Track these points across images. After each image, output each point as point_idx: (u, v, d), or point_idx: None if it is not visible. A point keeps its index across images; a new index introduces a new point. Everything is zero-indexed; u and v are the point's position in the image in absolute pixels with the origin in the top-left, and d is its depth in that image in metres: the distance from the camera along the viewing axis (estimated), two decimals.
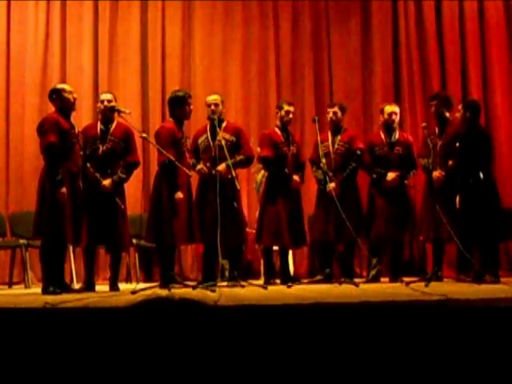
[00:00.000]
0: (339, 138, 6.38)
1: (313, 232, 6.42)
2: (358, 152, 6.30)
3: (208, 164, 5.96)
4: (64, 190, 5.17)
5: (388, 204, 6.32)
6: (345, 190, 6.18)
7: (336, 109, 6.43)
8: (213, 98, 6.12)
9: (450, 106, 6.31)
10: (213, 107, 6.04)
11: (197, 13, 8.42)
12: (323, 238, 6.28)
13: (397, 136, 6.43)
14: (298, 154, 6.44)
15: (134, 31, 8.31)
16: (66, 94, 5.41)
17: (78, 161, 5.43)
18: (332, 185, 6.07)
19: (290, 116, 6.35)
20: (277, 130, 6.37)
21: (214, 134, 6.03)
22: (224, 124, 6.08)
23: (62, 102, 5.40)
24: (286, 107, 6.34)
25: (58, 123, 5.29)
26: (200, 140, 6.11)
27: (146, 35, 8.35)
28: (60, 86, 5.61)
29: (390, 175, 6.30)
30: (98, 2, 8.30)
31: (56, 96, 5.42)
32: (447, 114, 6.29)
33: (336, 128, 6.41)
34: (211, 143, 6.02)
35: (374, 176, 6.41)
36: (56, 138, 5.23)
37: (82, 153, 5.49)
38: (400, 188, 6.34)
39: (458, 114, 6.05)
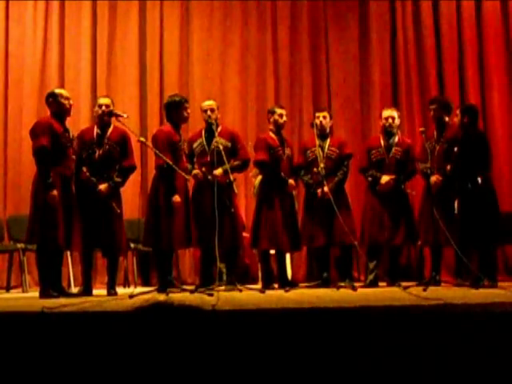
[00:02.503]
0: (328, 142, 6.38)
1: (305, 237, 6.38)
2: (347, 158, 6.33)
3: (203, 168, 5.96)
4: (55, 192, 5.17)
5: (383, 208, 6.31)
6: (335, 194, 6.15)
7: (325, 113, 6.44)
8: (208, 103, 6.12)
9: (449, 111, 6.31)
10: (209, 112, 6.03)
11: (195, 17, 8.43)
12: (316, 242, 6.27)
13: (396, 140, 6.43)
14: (292, 158, 6.45)
15: (132, 35, 8.32)
16: (63, 100, 5.41)
17: (71, 165, 5.42)
18: (326, 188, 6.09)
19: (284, 119, 6.36)
20: (271, 134, 6.38)
21: (209, 139, 6.03)
22: (219, 129, 6.08)
23: (58, 107, 5.40)
24: (279, 111, 6.35)
25: (50, 127, 5.30)
26: (195, 144, 6.10)
27: (145, 38, 8.36)
28: (57, 90, 5.61)
29: (384, 178, 6.29)
30: (97, 4, 8.31)
31: (52, 100, 5.43)
32: (446, 119, 6.29)
33: (324, 133, 6.39)
34: (206, 148, 6.02)
35: (369, 179, 6.42)
36: (48, 141, 5.23)
37: (74, 157, 5.47)
38: (396, 192, 6.32)
39: (456, 119, 6.06)
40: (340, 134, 7.55)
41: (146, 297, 4.78)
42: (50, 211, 5.17)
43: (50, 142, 5.24)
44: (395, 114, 6.46)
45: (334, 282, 6.30)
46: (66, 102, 5.42)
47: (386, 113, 6.46)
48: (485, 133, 7.11)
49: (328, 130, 6.42)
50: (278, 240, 6.19)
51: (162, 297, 4.70)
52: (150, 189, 5.90)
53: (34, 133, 5.32)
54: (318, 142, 6.16)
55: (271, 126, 6.38)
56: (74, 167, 5.46)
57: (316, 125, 6.29)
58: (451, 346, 2.61)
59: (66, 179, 5.35)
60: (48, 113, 5.55)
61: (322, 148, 6.33)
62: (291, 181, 6.27)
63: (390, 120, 6.39)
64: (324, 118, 6.39)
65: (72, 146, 5.45)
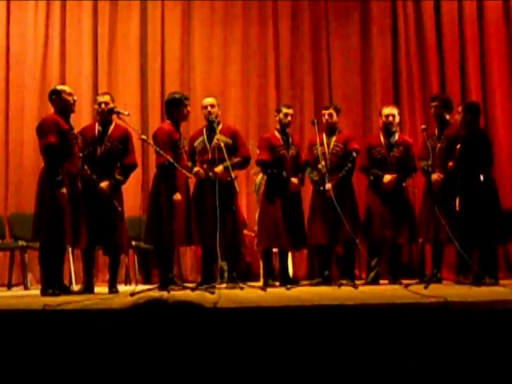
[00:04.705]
0: (335, 139, 6.39)
1: (310, 234, 6.41)
2: (354, 153, 6.30)
3: (205, 166, 5.97)
4: (64, 190, 5.16)
5: (385, 206, 6.33)
6: (341, 190, 6.18)
7: (331, 110, 6.43)
8: (209, 100, 6.13)
9: (450, 108, 6.30)
10: (209, 108, 6.03)
11: (196, 16, 8.43)
12: (320, 240, 6.28)
13: (396, 138, 6.43)
14: (298, 157, 6.44)
15: (133, 33, 8.32)
16: (66, 96, 5.40)
17: (77, 162, 5.42)
18: (329, 185, 6.10)
19: (289, 118, 6.35)
20: (276, 133, 6.38)
21: (210, 137, 6.04)
22: (220, 126, 6.08)
23: (62, 104, 5.39)
24: (284, 110, 6.35)
25: (57, 124, 5.28)
26: (196, 142, 6.11)
27: (146, 37, 8.35)
28: (60, 87, 5.60)
29: (387, 177, 6.30)
30: (98, 3, 8.31)
31: (56, 97, 5.41)
32: (447, 116, 6.29)
33: (331, 130, 6.42)
34: (208, 145, 6.03)
35: (371, 178, 6.42)
36: (55, 138, 5.22)
37: (80, 154, 5.48)
38: (398, 190, 6.33)
39: (457, 116, 6.05)
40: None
41: (145, 294, 4.79)
42: (56, 209, 5.16)
43: (58, 140, 5.24)
44: (395, 111, 6.47)
45: (335, 279, 6.30)
46: (69, 97, 5.41)
47: (386, 111, 6.47)
48: (486, 130, 7.10)
49: (335, 127, 6.43)
50: (279, 239, 6.19)
51: (156, 294, 4.70)
52: (151, 187, 5.90)
53: (42, 131, 5.31)
54: (318, 139, 6.17)
55: (277, 125, 6.39)
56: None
57: (318, 122, 6.30)
58: (452, 343, 2.61)
59: (73, 177, 5.35)
60: (51, 110, 5.54)
61: (328, 145, 6.35)
62: (294, 179, 6.26)
63: (391, 118, 6.40)
64: (330, 115, 6.40)
65: (77, 144, 5.45)
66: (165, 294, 4.84)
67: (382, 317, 2.84)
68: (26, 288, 6.90)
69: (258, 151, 6.51)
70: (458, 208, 5.83)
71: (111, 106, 5.66)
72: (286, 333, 2.65)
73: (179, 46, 8.36)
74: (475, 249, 5.84)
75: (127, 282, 7.47)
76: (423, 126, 6.38)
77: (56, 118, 5.33)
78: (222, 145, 5.81)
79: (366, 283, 6.32)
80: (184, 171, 5.58)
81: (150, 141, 5.76)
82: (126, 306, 1.49)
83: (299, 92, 8.35)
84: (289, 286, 5.63)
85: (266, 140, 6.39)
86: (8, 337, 2.70)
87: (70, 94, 5.43)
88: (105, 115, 5.65)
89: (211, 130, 6.02)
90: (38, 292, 5.41)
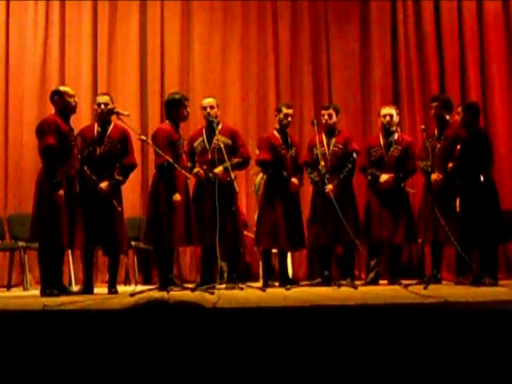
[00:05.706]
0: (334, 139, 6.38)
1: (310, 235, 6.41)
2: (354, 154, 6.29)
3: (204, 167, 5.96)
4: (61, 192, 5.17)
5: (383, 206, 6.32)
6: (341, 191, 6.18)
7: (331, 111, 6.42)
8: (208, 100, 6.12)
9: (450, 109, 6.30)
10: (209, 109, 6.02)
11: (196, 15, 8.42)
12: (320, 240, 6.28)
13: (395, 138, 6.43)
14: (297, 157, 6.43)
15: (132, 33, 8.31)
16: (68, 98, 5.40)
17: (76, 163, 5.42)
18: (330, 186, 6.10)
19: (289, 119, 6.34)
20: (275, 132, 6.37)
21: (209, 137, 6.03)
22: (220, 127, 6.08)
23: (63, 105, 5.39)
24: (284, 110, 6.33)
25: (57, 125, 5.28)
26: (196, 143, 6.10)
27: (145, 37, 8.35)
28: (63, 88, 5.60)
29: (383, 177, 6.30)
30: (97, 3, 8.30)
31: (58, 98, 5.40)
32: (447, 117, 6.29)
33: (331, 130, 6.41)
34: (207, 146, 6.02)
35: (369, 178, 6.42)
36: (54, 140, 5.22)
37: (79, 156, 5.49)
38: (396, 190, 6.33)
39: (457, 117, 6.05)
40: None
41: (145, 295, 4.79)
42: (54, 210, 5.16)
43: (57, 141, 5.24)
44: (393, 111, 6.46)
45: (334, 280, 6.30)
46: (71, 100, 5.41)
47: (384, 111, 6.47)
48: (486, 130, 7.10)
49: (335, 127, 6.42)
50: (279, 239, 6.19)
51: (157, 294, 4.70)
52: (151, 187, 5.90)
53: (41, 131, 5.30)
54: (318, 139, 6.16)
55: (276, 125, 6.38)
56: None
57: (318, 122, 6.29)
58: (452, 344, 2.61)
59: (71, 178, 5.35)
60: (50, 111, 5.54)
61: (328, 145, 6.34)
62: (294, 179, 6.26)
63: (388, 118, 6.40)
64: (329, 115, 6.39)
65: (76, 145, 5.45)
66: (164, 294, 4.85)
67: (381, 317, 2.84)
68: (25, 288, 6.90)
69: (257, 151, 6.51)
70: (458, 208, 5.83)
71: (111, 106, 5.66)
72: (285, 333, 2.65)
73: (179, 45, 8.35)
74: (475, 249, 5.84)
75: (127, 282, 7.47)
76: (423, 127, 6.37)
77: (56, 120, 5.33)
78: (222, 145, 5.81)
79: (366, 283, 6.32)
80: (183, 172, 5.59)
81: (150, 141, 5.77)
82: (126, 307, 1.49)
83: (299, 92, 8.35)
84: (288, 287, 5.63)
85: (265, 140, 6.38)
86: (7, 337, 2.70)
87: (72, 96, 5.44)
88: (104, 116, 5.65)
89: (211, 130, 6.01)
90: (37, 292, 5.41)
